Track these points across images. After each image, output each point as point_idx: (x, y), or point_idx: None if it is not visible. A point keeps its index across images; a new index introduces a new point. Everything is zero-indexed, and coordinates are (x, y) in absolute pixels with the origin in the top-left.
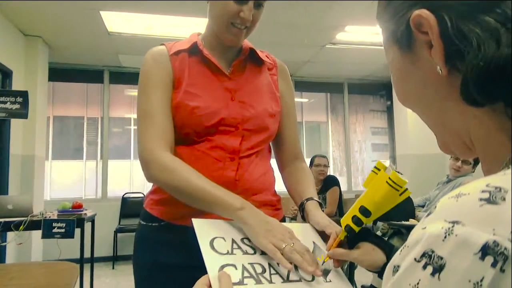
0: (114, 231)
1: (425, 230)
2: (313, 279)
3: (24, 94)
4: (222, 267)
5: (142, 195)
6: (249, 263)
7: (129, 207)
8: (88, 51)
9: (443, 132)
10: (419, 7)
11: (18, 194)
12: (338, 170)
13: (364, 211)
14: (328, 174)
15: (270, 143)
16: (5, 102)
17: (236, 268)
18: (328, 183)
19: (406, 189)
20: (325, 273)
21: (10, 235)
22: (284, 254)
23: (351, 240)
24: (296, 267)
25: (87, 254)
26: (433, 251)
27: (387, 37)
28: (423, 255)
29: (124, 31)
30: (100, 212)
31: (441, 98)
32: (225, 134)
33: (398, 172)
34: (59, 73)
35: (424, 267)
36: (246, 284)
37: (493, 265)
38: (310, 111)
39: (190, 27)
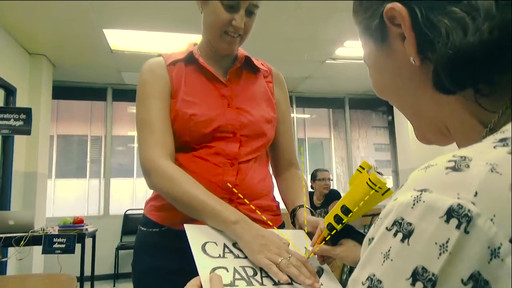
0: (116, 248)
1: (396, 201)
2: None
3: (27, 111)
4: (214, 269)
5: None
6: (240, 266)
7: (131, 224)
8: (91, 69)
9: (419, 121)
10: (391, 1)
11: (20, 210)
12: (342, 187)
13: (345, 209)
14: (332, 188)
15: (267, 150)
16: (8, 119)
17: (228, 271)
18: (330, 197)
19: (389, 189)
20: (318, 273)
21: (11, 250)
22: (280, 269)
23: (335, 237)
24: None
25: (87, 271)
26: (402, 219)
27: (363, 32)
28: (394, 223)
29: (126, 49)
30: (101, 229)
31: (415, 88)
32: (223, 140)
33: (379, 173)
34: (63, 91)
35: (395, 234)
36: (237, 286)
37: (458, 227)
38: (312, 127)
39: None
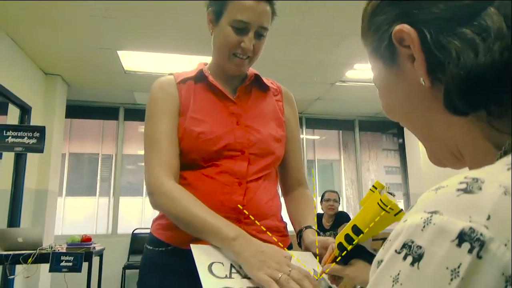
0: (123, 268)
1: (406, 223)
2: None
3: (41, 130)
4: None
5: None
6: (247, 287)
7: (139, 243)
8: (105, 89)
9: (431, 144)
10: (400, 22)
11: (29, 227)
12: (352, 209)
13: (356, 230)
14: (339, 210)
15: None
16: (22, 137)
17: None
18: (339, 219)
19: (401, 210)
20: None
21: (19, 268)
22: (280, 285)
23: (346, 257)
24: None
25: None
26: (412, 241)
27: (372, 54)
28: (403, 246)
29: (139, 70)
30: (109, 248)
31: (426, 110)
32: (231, 159)
33: (390, 193)
34: (76, 110)
35: (404, 258)
36: None
37: (470, 251)
38: (322, 148)
39: None
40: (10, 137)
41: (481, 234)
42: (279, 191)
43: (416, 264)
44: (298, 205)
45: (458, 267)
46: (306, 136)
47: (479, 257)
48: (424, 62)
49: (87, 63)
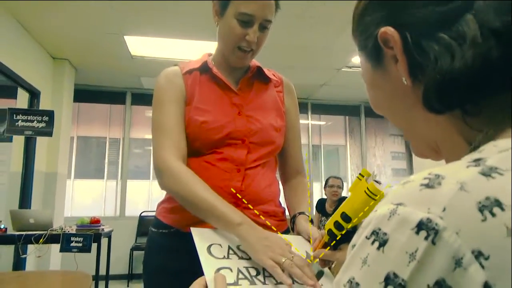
0: (131, 249)
1: (376, 213)
2: None
3: (50, 114)
4: (218, 269)
5: None
6: (244, 267)
7: (146, 225)
8: (112, 73)
9: (413, 138)
10: (385, 24)
11: (40, 209)
12: None
13: (345, 217)
14: (342, 196)
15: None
16: (32, 121)
17: (232, 271)
18: None
19: None
20: (319, 275)
21: (31, 247)
22: (284, 269)
23: (337, 242)
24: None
25: (102, 270)
26: (380, 229)
27: (360, 52)
28: (372, 233)
29: (146, 55)
30: (117, 230)
31: (408, 107)
32: (231, 147)
33: (377, 181)
34: (84, 94)
35: (372, 243)
36: (241, 285)
37: (426, 238)
38: (328, 134)
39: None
40: (20, 121)
41: (436, 224)
42: (278, 178)
43: (381, 249)
44: (294, 192)
45: (415, 251)
46: (312, 121)
47: (433, 243)
48: (406, 63)
49: (95, 48)
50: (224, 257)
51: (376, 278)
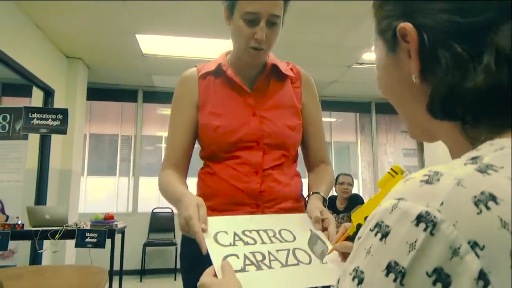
0: (143, 245)
1: (380, 207)
2: (310, 262)
3: (64, 112)
4: (225, 257)
5: (170, 210)
6: (250, 252)
7: (158, 222)
8: (124, 72)
9: (410, 124)
10: (406, 19)
11: (55, 205)
12: (368, 192)
13: None
14: (353, 193)
15: (299, 150)
16: (47, 119)
17: (238, 258)
18: (353, 202)
19: None
20: (322, 255)
21: (46, 243)
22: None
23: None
24: (293, 252)
25: (116, 265)
26: (382, 222)
27: (378, 36)
28: (376, 225)
29: (157, 53)
30: (130, 226)
31: (413, 100)
32: (247, 150)
33: None
34: (97, 93)
35: (376, 234)
36: (248, 271)
37: (425, 229)
38: (339, 130)
39: (220, 49)
40: (35, 119)
41: (434, 217)
42: (297, 172)
43: (384, 239)
44: (315, 177)
45: (415, 242)
46: (323, 118)
47: (431, 234)
48: (419, 62)
49: (107, 47)
50: (230, 244)
51: (379, 266)
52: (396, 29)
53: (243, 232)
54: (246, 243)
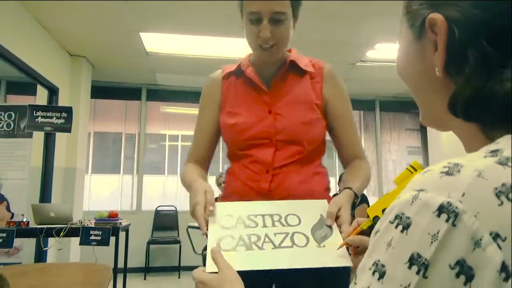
0: (147, 243)
1: (399, 199)
2: (306, 245)
3: (68, 110)
4: (220, 238)
5: (174, 208)
6: (246, 234)
7: (162, 219)
8: (127, 70)
9: (425, 111)
10: (436, 10)
11: (60, 203)
12: (372, 190)
13: None
14: None
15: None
16: (51, 117)
17: (233, 238)
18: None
19: None
20: (322, 239)
21: (51, 240)
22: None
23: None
24: (292, 235)
25: (120, 263)
26: (403, 213)
27: (405, 21)
28: (396, 217)
29: (161, 51)
30: (134, 224)
31: (432, 92)
32: (260, 147)
33: None
34: (101, 91)
35: (396, 226)
36: (237, 251)
37: (447, 220)
38: None
39: (224, 47)
40: (39, 117)
41: (456, 207)
42: (319, 169)
43: (405, 231)
44: (349, 172)
45: (437, 233)
46: None
47: (454, 225)
48: (445, 56)
49: (111, 45)
50: (231, 227)
51: (401, 259)
52: (425, 18)
53: (248, 216)
54: (247, 226)
